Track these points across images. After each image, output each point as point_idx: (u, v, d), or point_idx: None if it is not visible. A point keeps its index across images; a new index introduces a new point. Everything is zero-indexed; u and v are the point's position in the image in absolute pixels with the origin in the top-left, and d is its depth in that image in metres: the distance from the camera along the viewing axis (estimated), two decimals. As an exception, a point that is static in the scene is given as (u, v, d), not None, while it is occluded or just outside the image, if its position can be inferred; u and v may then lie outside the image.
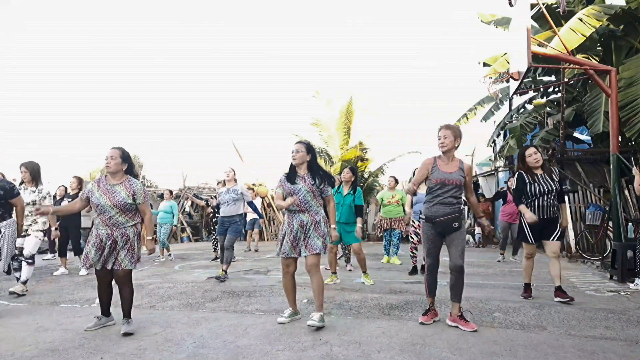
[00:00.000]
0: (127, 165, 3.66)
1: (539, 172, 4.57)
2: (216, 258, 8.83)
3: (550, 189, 4.47)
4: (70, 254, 8.96)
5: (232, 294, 5.11)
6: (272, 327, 3.63)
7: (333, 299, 4.71)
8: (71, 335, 3.49)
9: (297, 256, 3.79)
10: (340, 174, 6.42)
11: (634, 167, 5.53)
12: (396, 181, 8.14)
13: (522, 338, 3.27)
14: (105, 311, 3.73)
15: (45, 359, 2.96)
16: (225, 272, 6.14)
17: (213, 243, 9.16)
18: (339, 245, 6.40)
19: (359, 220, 5.77)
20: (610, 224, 7.13)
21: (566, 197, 4.54)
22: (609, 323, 3.67)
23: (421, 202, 6.49)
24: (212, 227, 9.12)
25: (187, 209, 16.95)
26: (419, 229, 6.52)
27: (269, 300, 4.71)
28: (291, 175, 3.86)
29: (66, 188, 7.69)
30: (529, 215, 4.42)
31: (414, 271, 6.55)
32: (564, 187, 4.56)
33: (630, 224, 7.39)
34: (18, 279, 5.21)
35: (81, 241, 7.55)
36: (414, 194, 4.05)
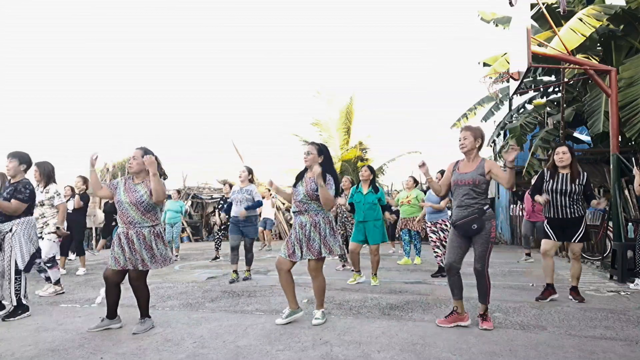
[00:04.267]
0: None
1: (564, 171, 4.52)
2: (216, 258, 8.85)
3: (567, 189, 4.41)
4: (69, 255, 8.98)
5: (232, 294, 5.11)
6: (272, 327, 3.62)
7: (333, 299, 4.71)
8: (71, 335, 3.49)
9: (293, 260, 3.72)
10: (340, 173, 6.43)
11: (635, 167, 5.53)
12: (415, 181, 8.02)
13: (522, 338, 3.27)
14: (112, 313, 3.65)
15: (45, 359, 2.96)
16: (249, 271, 6.24)
17: (216, 243, 9.17)
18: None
19: (387, 213, 5.79)
20: (610, 224, 7.14)
21: (592, 201, 4.58)
22: (609, 323, 3.67)
23: (432, 200, 6.51)
24: (219, 229, 9.13)
25: (187, 209, 16.97)
26: (435, 227, 6.58)
27: (269, 300, 4.71)
28: (298, 177, 3.86)
29: (72, 187, 7.67)
30: (543, 198, 4.49)
31: (439, 271, 6.39)
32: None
33: (630, 224, 7.39)
34: (48, 279, 5.13)
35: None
36: (441, 194, 3.95)
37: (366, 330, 3.50)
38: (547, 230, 4.59)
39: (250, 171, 6.41)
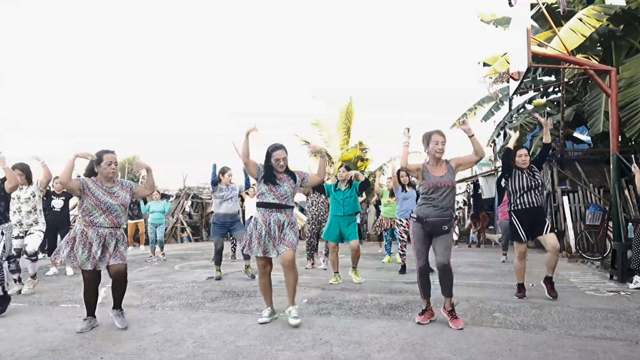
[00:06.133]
0: None
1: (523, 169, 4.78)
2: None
3: (535, 183, 4.66)
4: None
5: (232, 294, 5.11)
6: (272, 327, 3.63)
7: (333, 299, 4.71)
8: (71, 335, 3.49)
9: (271, 256, 3.79)
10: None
11: (633, 164, 5.54)
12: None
13: (522, 338, 3.27)
14: (93, 312, 3.75)
15: (45, 359, 2.96)
16: (249, 266, 6.30)
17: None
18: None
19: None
20: (610, 224, 7.14)
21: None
22: (609, 323, 3.67)
23: (410, 199, 6.57)
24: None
25: (187, 209, 16.95)
26: (407, 227, 6.63)
27: (269, 300, 4.71)
28: (272, 177, 3.82)
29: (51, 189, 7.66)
30: (513, 139, 4.89)
31: (403, 270, 6.66)
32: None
33: (630, 224, 7.40)
34: (16, 281, 5.21)
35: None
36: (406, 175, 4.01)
37: (366, 330, 3.50)
38: (518, 230, 4.68)
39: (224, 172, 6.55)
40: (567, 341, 3.19)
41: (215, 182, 6.37)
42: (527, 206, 4.65)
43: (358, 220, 5.91)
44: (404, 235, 6.74)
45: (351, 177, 5.90)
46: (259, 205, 3.84)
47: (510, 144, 4.87)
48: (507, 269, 7.24)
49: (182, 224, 16.12)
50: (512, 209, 4.76)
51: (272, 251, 3.76)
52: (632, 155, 6.04)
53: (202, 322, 3.83)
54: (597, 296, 4.83)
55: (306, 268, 7.18)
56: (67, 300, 4.91)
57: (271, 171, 3.84)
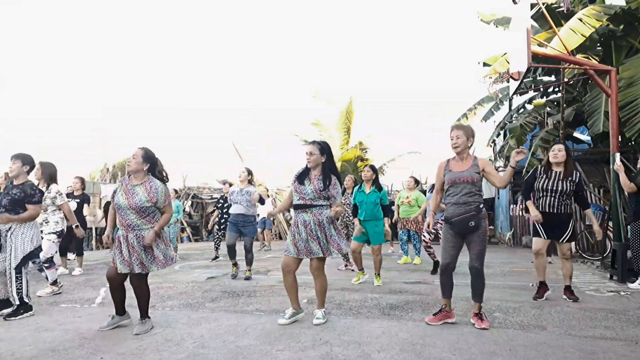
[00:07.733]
0: (148, 164, 3.62)
1: (557, 169, 4.56)
2: (216, 258, 8.83)
3: (560, 188, 4.47)
4: (68, 255, 8.97)
5: (232, 294, 5.12)
6: (272, 327, 3.63)
7: (333, 299, 4.71)
8: (71, 335, 3.49)
9: (301, 257, 3.74)
10: (341, 172, 6.41)
11: (616, 161, 5.51)
12: (416, 182, 8.11)
13: (522, 338, 3.27)
14: (120, 310, 3.67)
15: (45, 359, 2.96)
16: (250, 271, 6.24)
17: (215, 242, 9.13)
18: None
19: (386, 220, 5.86)
20: (610, 224, 7.14)
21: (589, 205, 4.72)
22: (609, 323, 3.67)
23: None
24: (219, 228, 9.04)
25: (187, 209, 16.95)
26: (430, 227, 6.57)
27: (269, 300, 4.71)
28: (302, 176, 3.82)
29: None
30: (534, 214, 4.52)
31: (435, 268, 6.50)
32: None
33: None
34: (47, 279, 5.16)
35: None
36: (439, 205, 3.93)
37: (366, 330, 3.50)
38: (538, 228, 4.62)
39: (249, 172, 6.46)
40: (567, 341, 3.19)
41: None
42: (545, 210, 4.53)
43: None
44: (426, 235, 6.66)
45: (375, 178, 5.86)
46: (293, 207, 3.89)
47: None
48: (507, 268, 7.24)
49: (182, 224, 16.12)
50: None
51: (295, 252, 3.73)
52: (617, 154, 5.94)
53: (202, 322, 3.84)
54: (597, 296, 4.83)
55: (338, 269, 7.11)
56: (67, 300, 4.91)
57: (306, 168, 3.84)
